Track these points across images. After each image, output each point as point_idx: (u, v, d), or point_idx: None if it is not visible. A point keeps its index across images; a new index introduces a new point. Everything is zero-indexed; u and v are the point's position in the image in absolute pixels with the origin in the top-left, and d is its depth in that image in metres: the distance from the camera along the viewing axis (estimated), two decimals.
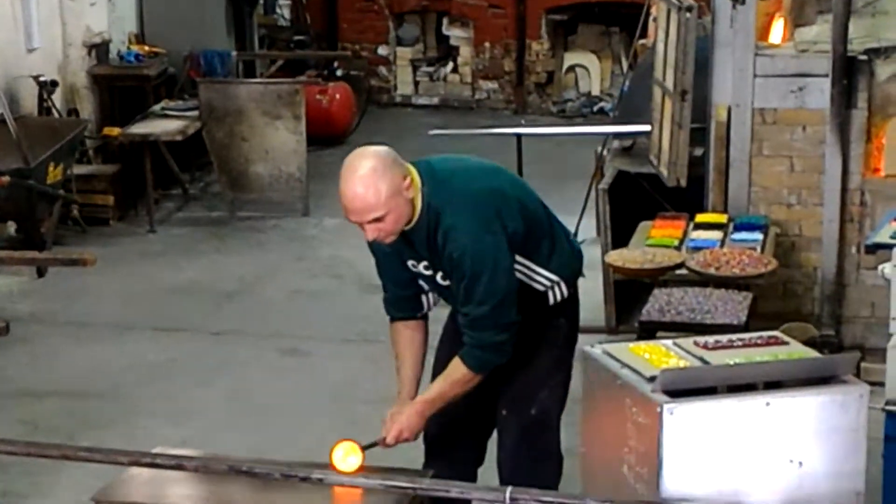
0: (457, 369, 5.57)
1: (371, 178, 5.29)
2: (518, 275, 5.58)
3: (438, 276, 5.60)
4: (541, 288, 5.68)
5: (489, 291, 5.42)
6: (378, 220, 5.35)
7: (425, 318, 5.81)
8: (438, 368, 5.82)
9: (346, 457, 5.29)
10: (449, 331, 5.91)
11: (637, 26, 11.40)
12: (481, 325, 5.48)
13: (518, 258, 5.56)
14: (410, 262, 5.63)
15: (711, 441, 4.86)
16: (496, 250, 5.43)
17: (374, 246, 5.62)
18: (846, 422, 4.98)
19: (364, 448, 5.40)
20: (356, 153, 5.41)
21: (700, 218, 8.68)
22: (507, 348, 5.53)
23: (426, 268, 5.62)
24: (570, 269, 5.77)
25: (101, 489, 5.34)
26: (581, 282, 10.21)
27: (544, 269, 5.66)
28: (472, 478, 5.84)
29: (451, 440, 5.88)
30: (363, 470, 5.23)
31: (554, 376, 5.81)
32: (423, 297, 5.76)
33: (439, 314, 5.90)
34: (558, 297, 5.72)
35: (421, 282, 5.70)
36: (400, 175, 5.36)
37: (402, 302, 5.77)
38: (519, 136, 10.15)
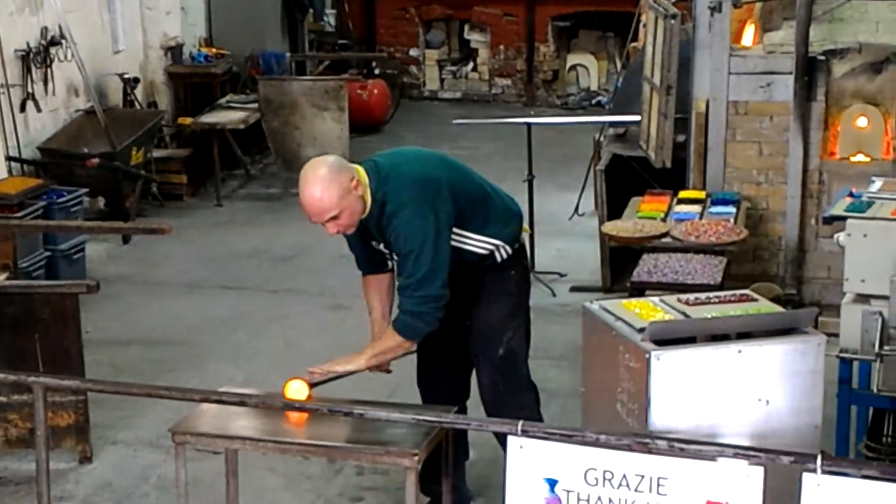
0: (388, 337, 5.61)
1: (322, 184, 5.35)
2: (456, 243, 5.58)
3: (395, 256, 5.64)
4: (483, 251, 5.69)
5: (417, 264, 5.44)
6: (334, 218, 5.41)
7: (392, 271, 5.82)
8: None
9: (297, 391, 5.35)
10: None
11: (629, 31, 11.36)
12: (408, 294, 5.49)
13: (456, 230, 5.57)
14: (373, 242, 5.70)
15: (692, 383, 4.85)
16: (424, 231, 5.43)
17: (348, 238, 5.69)
18: (806, 366, 4.97)
19: (312, 385, 5.45)
20: (308, 165, 5.48)
21: (682, 194, 8.65)
22: (430, 318, 5.51)
23: (384, 248, 5.68)
24: (509, 231, 5.76)
25: (177, 422, 5.36)
26: (581, 247, 10.26)
27: (480, 236, 5.67)
28: (461, 411, 5.85)
29: (436, 381, 5.93)
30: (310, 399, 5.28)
31: (514, 319, 5.81)
32: (388, 260, 5.78)
33: None
34: (503, 255, 5.74)
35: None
36: (347, 177, 5.39)
37: (368, 262, 5.82)
38: (529, 125, 10.09)
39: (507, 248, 5.75)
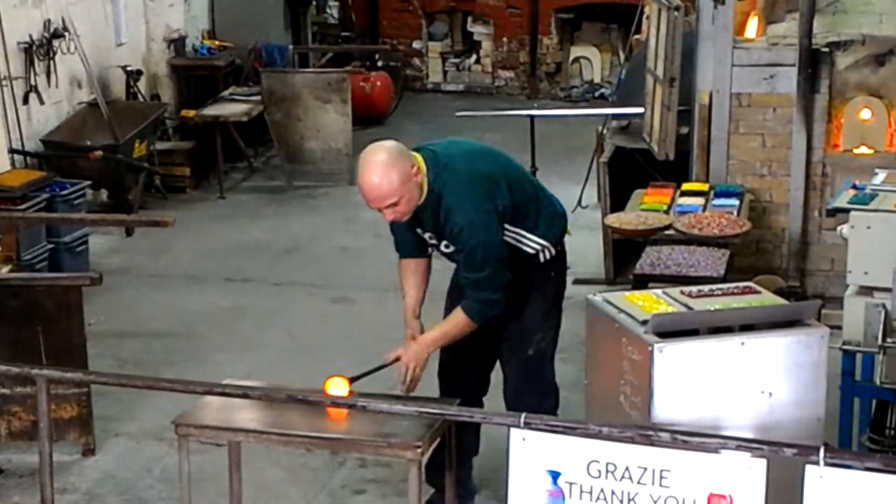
0: (459, 317, 5.60)
1: (384, 169, 5.30)
2: (510, 240, 5.60)
3: (442, 245, 5.64)
4: (531, 251, 5.69)
5: (485, 260, 5.46)
6: (393, 205, 5.38)
7: (429, 256, 5.82)
8: (446, 315, 5.83)
9: (337, 387, 5.35)
10: (454, 284, 5.92)
11: (633, 23, 11.35)
12: (481, 287, 5.51)
13: (509, 227, 5.58)
14: (419, 230, 5.67)
15: (695, 375, 4.85)
16: (487, 226, 5.46)
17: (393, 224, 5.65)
18: (809, 359, 4.97)
19: (353, 380, 5.44)
20: (369, 150, 5.43)
21: (685, 186, 8.65)
22: (501, 304, 5.57)
23: (431, 237, 5.66)
24: (555, 233, 5.77)
25: (179, 414, 5.36)
26: (584, 240, 10.26)
27: (532, 235, 5.68)
28: (479, 406, 5.85)
29: (459, 376, 5.91)
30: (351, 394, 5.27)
31: (547, 321, 5.82)
32: (431, 248, 5.76)
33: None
34: (547, 256, 5.74)
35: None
36: (408, 164, 5.37)
37: (409, 247, 5.79)
38: (532, 117, 10.10)
39: (552, 249, 5.74)
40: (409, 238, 5.74)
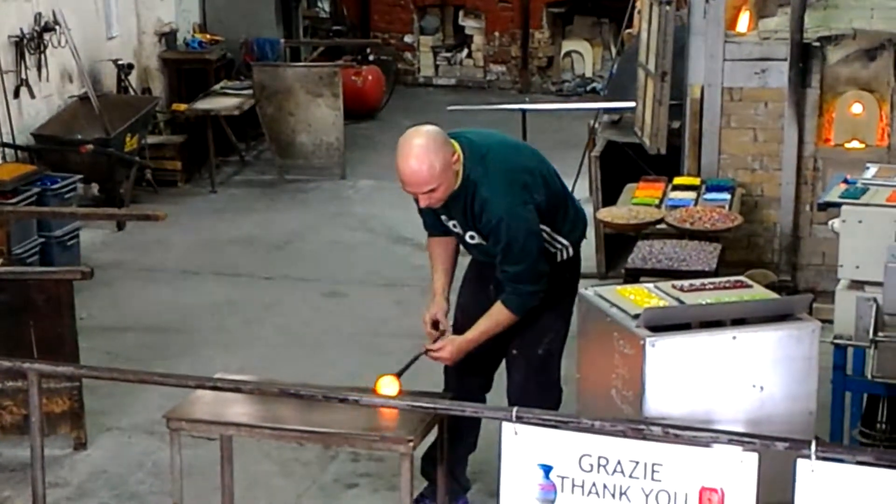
0: (500, 312, 5.55)
1: (425, 155, 5.24)
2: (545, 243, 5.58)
3: (467, 236, 5.58)
4: (552, 250, 5.66)
5: (524, 252, 5.42)
6: (432, 191, 5.32)
7: (466, 245, 5.77)
8: (462, 313, 5.83)
9: (388, 386, 5.35)
10: (470, 279, 5.90)
11: (624, 18, 11.34)
12: (521, 280, 5.47)
13: (542, 226, 5.55)
14: (443, 217, 5.62)
15: (687, 369, 4.86)
16: (527, 219, 5.42)
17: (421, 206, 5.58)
18: (801, 352, 4.97)
19: (399, 375, 5.45)
20: (411, 133, 5.35)
21: (677, 180, 8.64)
22: (540, 295, 5.54)
23: (455, 226, 5.60)
24: (577, 234, 5.76)
25: (171, 408, 5.36)
26: None
27: (559, 235, 5.65)
28: (481, 402, 5.82)
29: (466, 372, 5.87)
30: (402, 393, 5.28)
31: (558, 321, 5.79)
32: (455, 235, 5.72)
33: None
34: (565, 257, 5.71)
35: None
36: (449, 152, 5.32)
37: (439, 225, 5.72)
38: (524, 111, 10.10)
39: (570, 250, 5.71)
40: (436, 223, 5.70)
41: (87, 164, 10.42)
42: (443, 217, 5.61)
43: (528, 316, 5.66)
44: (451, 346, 5.61)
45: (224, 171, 12.53)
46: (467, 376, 5.86)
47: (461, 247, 5.77)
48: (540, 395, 5.68)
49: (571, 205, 5.77)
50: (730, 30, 8.79)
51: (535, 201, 5.46)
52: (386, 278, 9.37)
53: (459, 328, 5.80)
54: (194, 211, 11.24)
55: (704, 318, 4.99)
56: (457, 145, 5.39)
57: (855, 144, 8.52)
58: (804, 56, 8.41)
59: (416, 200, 5.43)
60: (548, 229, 5.59)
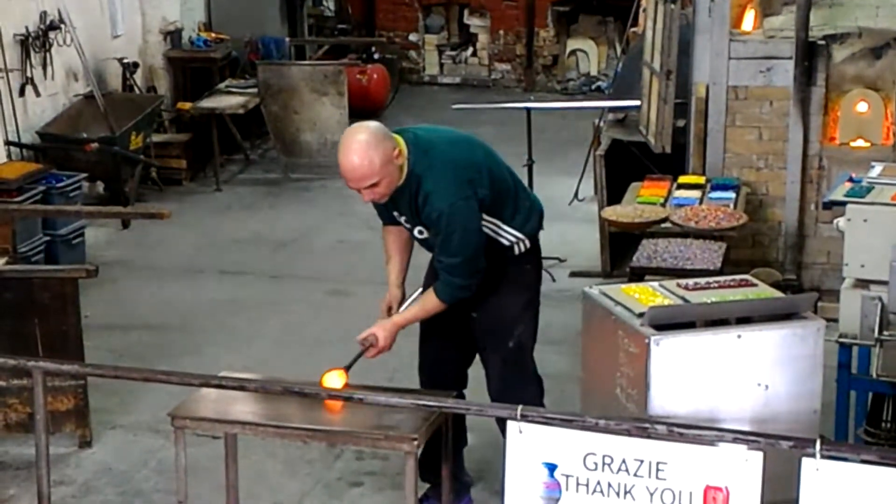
0: (431, 300, 5.62)
1: (365, 150, 5.31)
2: (487, 231, 5.60)
3: (416, 231, 5.64)
4: (506, 242, 5.68)
5: (461, 246, 5.46)
6: (373, 185, 5.39)
7: (416, 240, 5.81)
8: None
9: (335, 380, 5.37)
10: (429, 276, 5.93)
11: (629, 16, 11.34)
12: (455, 273, 5.52)
13: (487, 217, 5.58)
14: (395, 213, 5.68)
15: (691, 368, 4.86)
16: (467, 213, 5.45)
17: (375, 203, 5.66)
18: (806, 351, 4.98)
19: (347, 368, 5.48)
20: (351, 129, 5.45)
21: (682, 179, 8.64)
22: (473, 288, 5.58)
23: (406, 221, 5.66)
24: (531, 226, 5.76)
25: (176, 406, 5.36)
26: (580, 233, 10.27)
27: (508, 227, 5.67)
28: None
29: (439, 371, 5.92)
30: (347, 387, 5.30)
31: (527, 312, 5.80)
32: (406, 230, 5.77)
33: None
34: (522, 249, 5.73)
35: None
36: (390, 146, 5.38)
37: (392, 218, 5.78)
38: (528, 110, 10.07)
39: (527, 242, 5.73)
40: (393, 220, 5.76)
41: (92, 163, 10.42)
42: (395, 213, 5.67)
43: (493, 310, 5.71)
44: (382, 330, 5.66)
45: (229, 169, 12.53)
46: (441, 375, 5.90)
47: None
48: (519, 388, 5.71)
49: (524, 198, 5.78)
50: (735, 28, 8.78)
51: (479, 196, 5.49)
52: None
53: (424, 327, 5.88)
54: (199, 209, 11.24)
55: (709, 316, 4.99)
56: (401, 141, 5.45)
57: (860, 143, 8.52)
58: (809, 54, 8.41)
59: (362, 197, 5.50)
60: (497, 222, 5.62)
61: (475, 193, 5.47)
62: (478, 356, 5.95)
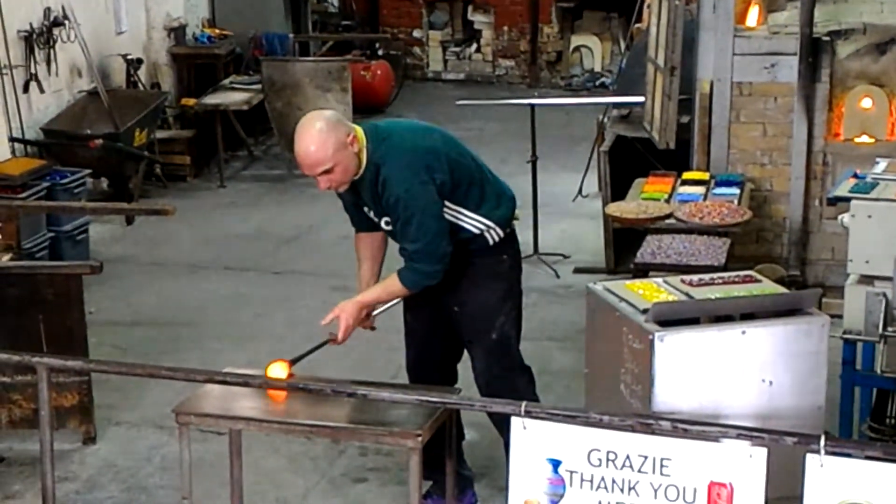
0: (394, 283, 5.61)
1: (318, 136, 5.34)
2: (449, 218, 5.58)
3: (382, 222, 5.64)
4: (474, 230, 5.64)
5: (420, 230, 5.45)
6: (328, 171, 5.40)
7: (385, 232, 5.81)
8: (411, 315, 5.92)
9: (277, 371, 5.37)
10: None
11: (633, 12, 11.33)
12: (416, 258, 5.51)
13: (449, 205, 5.56)
14: (364, 208, 5.69)
15: (696, 363, 4.86)
16: (425, 198, 5.45)
17: (340, 195, 5.68)
18: (810, 347, 4.97)
19: (293, 363, 5.47)
20: (306, 117, 5.48)
21: (686, 175, 8.64)
22: (439, 275, 5.55)
23: (373, 215, 5.66)
24: (501, 214, 5.71)
25: (180, 402, 5.36)
26: (584, 229, 10.26)
27: (474, 214, 5.63)
28: None
29: (427, 369, 5.91)
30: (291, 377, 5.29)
31: (507, 303, 5.77)
32: (377, 225, 5.76)
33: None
34: (496, 238, 5.70)
35: None
36: (344, 133, 5.39)
37: (364, 221, 5.78)
38: (532, 106, 10.07)
39: (499, 230, 5.70)
40: (360, 215, 5.77)
41: (96, 159, 10.43)
42: (365, 209, 5.67)
43: (472, 303, 5.70)
44: (343, 312, 5.65)
45: (233, 165, 12.54)
46: (429, 372, 5.88)
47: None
48: (506, 380, 5.70)
49: (491, 185, 5.75)
50: (739, 24, 8.78)
51: (438, 182, 5.48)
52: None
53: (408, 326, 5.90)
54: (203, 205, 11.26)
55: (713, 312, 4.99)
56: (359, 130, 5.48)
57: (865, 139, 8.51)
58: (814, 50, 8.40)
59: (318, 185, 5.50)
60: (459, 209, 5.59)
61: (433, 179, 5.47)
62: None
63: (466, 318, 5.75)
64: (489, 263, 5.72)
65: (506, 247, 5.77)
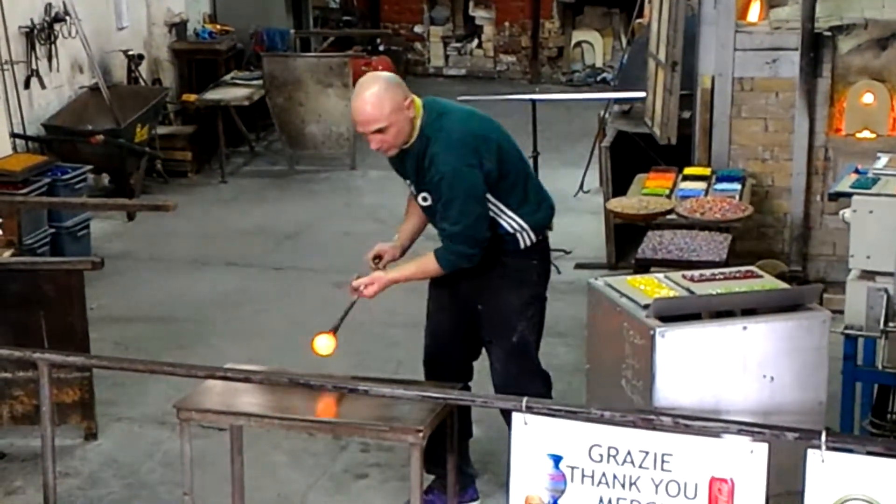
0: (429, 262, 5.59)
1: (377, 94, 5.35)
2: (490, 213, 5.55)
3: (420, 197, 5.62)
4: (509, 228, 5.61)
5: (462, 213, 5.43)
6: (381, 131, 5.39)
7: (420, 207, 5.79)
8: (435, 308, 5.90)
9: (324, 342, 5.50)
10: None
11: (635, 7, 11.33)
12: (455, 240, 5.49)
13: (489, 197, 5.54)
14: (407, 181, 5.68)
15: (697, 359, 4.86)
16: (470, 181, 5.43)
17: (391, 161, 5.67)
18: (811, 343, 4.97)
19: (335, 331, 5.56)
20: (366, 76, 5.51)
21: (687, 171, 8.64)
22: (475, 259, 5.53)
23: (412, 187, 5.65)
24: (538, 218, 5.68)
25: (181, 398, 5.36)
26: (585, 224, 10.26)
27: (512, 213, 5.60)
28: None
29: (443, 364, 5.89)
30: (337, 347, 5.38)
31: (530, 309, 5.73)
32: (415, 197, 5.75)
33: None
34: (528, 242, 5.66)
35: None
36: (402, 95, 5.41)
37: None
38: (534, 101, 10.08)
39: (532, 235, 5.66)
40: None
41: (97, 155, 10.43)
42: (407, 181, 5.66)
43: (496, 304, 5.67)
44: (377, 282, 5.68)
45: (234, 161, 12.54)
46: (445, 368, 5.87)
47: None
48: (523, 381, 5.67)
49: (533, 187, 5.73)
50: (741, 19, 8.77)
51: (485, 168, 5.46)
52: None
53: (430, 319, 5.87)
54: (204, 201, 11.26)
55: (715, 308, 4.99)
56: (417, 99, 5.49)
57: (866, 134, 8.51)
58: (815, 46, 8.40)
59: (370, 144, 5.48)
60: (499, 205, 5.56)
61: (481, 164, 5.44)
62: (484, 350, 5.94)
63: (488, 318, 5.73)
64: (518, 267, 5.68)
65: (536, 253, 5.73)
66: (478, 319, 5.76)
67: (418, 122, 5.46)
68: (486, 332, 5.78)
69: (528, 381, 5.69)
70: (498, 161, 5.52)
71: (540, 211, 5.71)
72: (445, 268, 5.56)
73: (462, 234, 5.46)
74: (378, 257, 5.83)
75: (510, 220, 5.62)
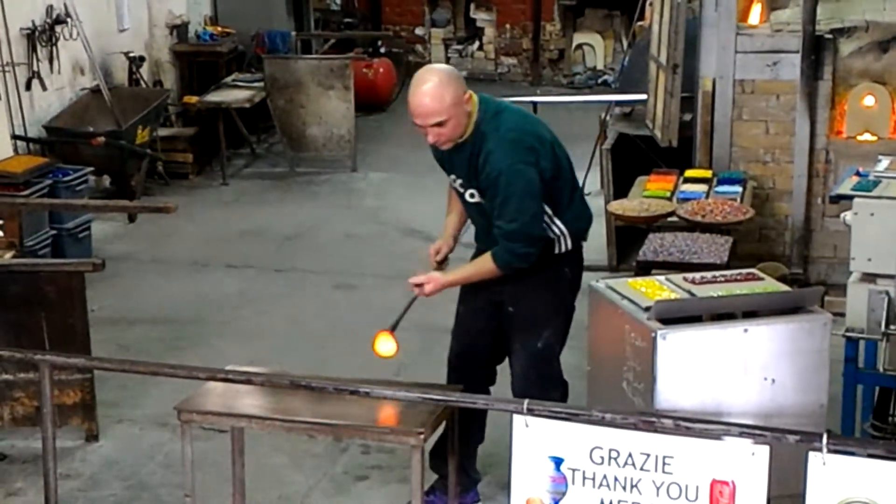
0: (486, 262, 5.55)
1: (437, 87, 5.31)
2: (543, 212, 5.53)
3: (467, 194, 5.58)
4: (550, 234, 5.58)
5: (519, 210, 5.39)
6: (439, 124, 5.35)
7: (464, 204, 5.76)
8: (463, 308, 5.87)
9: (384, 343, 5.53)
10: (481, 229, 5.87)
11: (636, 10, 11.32)
12: (513, 238, 5.44)
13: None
14: (451, 176, 5.64)
15: (698, 361, 4.86)
16: (527, 178, 5.38)
17: (435, 155, 5.63)
18: (812, 345, 4.97)
19: (393, 329, 5.59)
20: (425, 68, 5.48)
21: (688, 173, 8.64)
22: (532, 258, 5.48)
23: (460, 185, 5.60)
24: (578, 226, 5.67)
25: (182, 400, 5.37)
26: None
27: (558, 219, 5.57)
28: (486, 395, 5.82)
29: (468, 366, 5.87)
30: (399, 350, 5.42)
31: (557, 317, 5.72)
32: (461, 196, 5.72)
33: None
34: (562, 248, 5.63)
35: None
36: (461, 89, 5.37)
37: None
38: (535, 103, 10.09)
39: (569, 242, 5.62)
40: None
41: (98, 157, 10.43)
42: (451, 177, 5.63)
43: (526, 308, 5.64)
44: (434, 283, 5.62)
45: (235, 163, 12.54)
46: (470, 370, 5.85)
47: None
48: (542, 387, 5.65)
49: (579, 197, 5.73)
50: (742, 22, 8.78)
51: (540, 167, 5.43)
52: (396, 270, 9.34)
53: (459, 319, 5.85)
54: (205, 203, 11.26)
55: (716, 310, 4.99)
56: (474, 95, 5.46)
57: (867, 137, 8.51)
58: (816, 48, 8.40)
59: (427, 137, 5.44)
60: (548, 210, 5.53)
61: (537, 162, 5.41)
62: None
63: (517, 320, 5.70)
64: (552, 272, 5.63)
65: (569, 262, 5.70)
66: (506, 321, 5.74)
67: (474, 118, 5.43)
68: (513, 337, 5.76)
69: (547, 390, 5.65)
70: (552, 159, 5.50)
71: (582, 220, 5.70)
72: (502, 267, 5.51)
73: (519, 232, 5.41)
74: (437, 253, 5.78)
75: (552, 225, 5.58)
